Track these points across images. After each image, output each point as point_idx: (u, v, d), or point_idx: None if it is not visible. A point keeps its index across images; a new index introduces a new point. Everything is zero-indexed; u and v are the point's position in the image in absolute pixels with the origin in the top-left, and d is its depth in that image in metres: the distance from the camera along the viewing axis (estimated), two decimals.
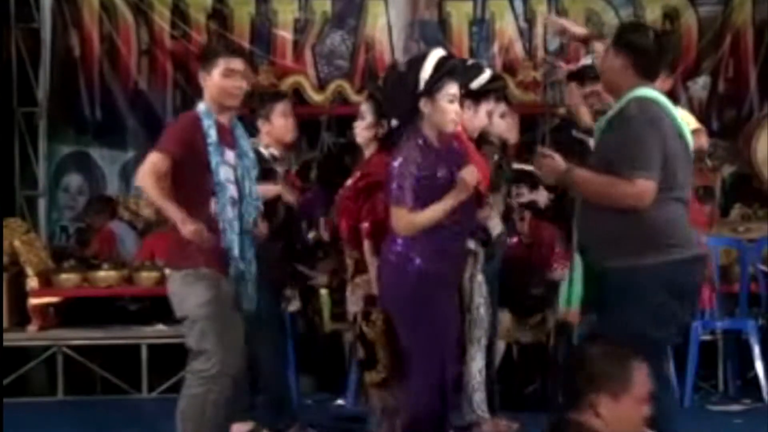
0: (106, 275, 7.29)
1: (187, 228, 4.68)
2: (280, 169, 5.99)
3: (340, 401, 6.96)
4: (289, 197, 5.88)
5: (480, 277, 5.57)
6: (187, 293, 4.86)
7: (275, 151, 5.97)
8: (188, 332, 4.87)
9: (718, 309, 6.70)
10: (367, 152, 5.35)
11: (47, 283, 7.33)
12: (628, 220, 4.27)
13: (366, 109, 5.36)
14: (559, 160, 4.37)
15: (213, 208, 4.88)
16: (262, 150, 5.90)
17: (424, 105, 4.65)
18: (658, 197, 4.27)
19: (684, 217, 4.39)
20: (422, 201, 4.62)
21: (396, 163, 4.65)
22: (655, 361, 4.40)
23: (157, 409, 6.38)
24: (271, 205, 5.63)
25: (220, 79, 4.99)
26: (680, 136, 4.40)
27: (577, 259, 5.23)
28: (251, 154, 5.11)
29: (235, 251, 4.93)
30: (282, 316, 6.22)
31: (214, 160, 4.95)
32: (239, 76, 4.99)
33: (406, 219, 4.61)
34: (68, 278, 7.35)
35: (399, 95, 4.78)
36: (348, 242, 5.26)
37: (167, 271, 5.09)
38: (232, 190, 4.95)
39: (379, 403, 5.13)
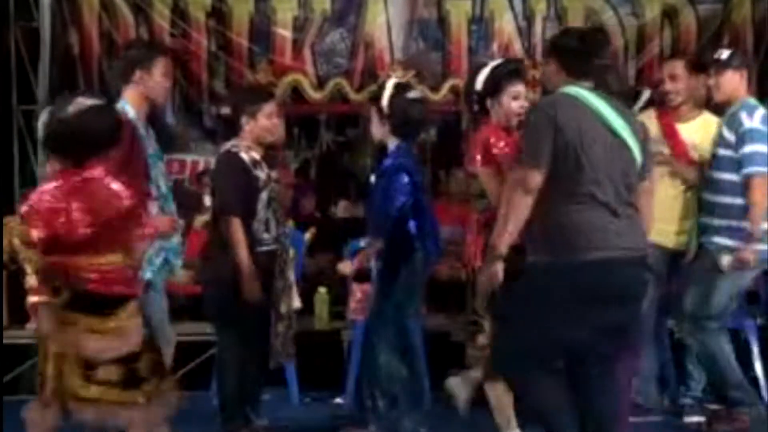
0: None
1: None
2: (261, 174, 5.78)
3: (338, 399, 6.97)
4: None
5: None
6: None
7: (256, 155, 5.79)
8: None
9: None
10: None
11: None
12: (546, 221, 4.42)
13: None
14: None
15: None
16: (243, 155, 5.70)
17: None
18: (567, 197, 4.39)
19: (603, 220, 4.41)
20: None
21: None
22: (565, 363, 4.53)
23: None
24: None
25: (164, 80, 5.05)
26: (611, 132, 4.46)
27: None
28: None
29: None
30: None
31: (153, 171, 5.05)
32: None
33: None
34: None
35: None
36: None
37: None
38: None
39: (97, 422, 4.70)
